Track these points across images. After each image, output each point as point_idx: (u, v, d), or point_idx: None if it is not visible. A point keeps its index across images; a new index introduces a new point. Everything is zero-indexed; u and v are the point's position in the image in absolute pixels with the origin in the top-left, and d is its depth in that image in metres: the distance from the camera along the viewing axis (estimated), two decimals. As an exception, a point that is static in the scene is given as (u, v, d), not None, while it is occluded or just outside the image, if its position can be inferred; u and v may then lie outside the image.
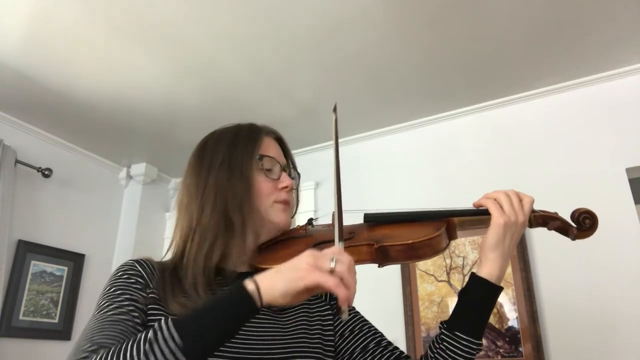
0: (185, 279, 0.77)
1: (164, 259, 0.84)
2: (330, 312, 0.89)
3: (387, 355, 0.85)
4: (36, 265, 2.50)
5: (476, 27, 1.85)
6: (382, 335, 0.90)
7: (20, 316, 2.39)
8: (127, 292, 0.74)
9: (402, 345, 2.17)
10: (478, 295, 0.81)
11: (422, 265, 2.27)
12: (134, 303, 0.73)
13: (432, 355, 0.82)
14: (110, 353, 0.57)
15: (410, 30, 1.86)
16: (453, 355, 0.79)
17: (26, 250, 2.46)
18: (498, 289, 0.81)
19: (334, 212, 0.78)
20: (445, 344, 0.80)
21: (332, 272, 0.60)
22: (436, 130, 2.51)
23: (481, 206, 0.85)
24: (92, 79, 2.17)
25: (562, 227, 0.88)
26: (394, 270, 2.30)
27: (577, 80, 2.18)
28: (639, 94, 2.07)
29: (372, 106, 2.42)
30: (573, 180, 2.08)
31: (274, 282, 0.61)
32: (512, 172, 2.23)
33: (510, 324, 2.01)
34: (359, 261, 0.79)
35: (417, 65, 2.08)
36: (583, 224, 0.86)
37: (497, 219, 0.81)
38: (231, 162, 0.86)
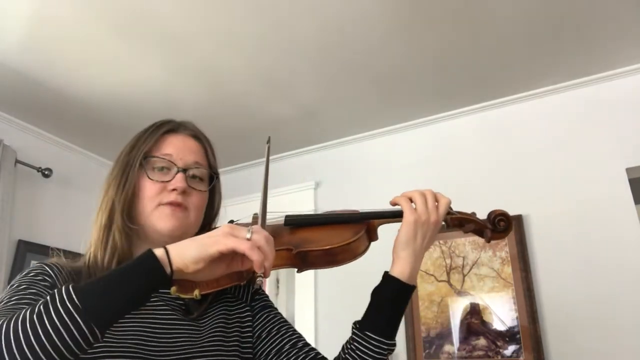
0: None
1: (78, 263, 0.81)
2: (249, 314, 0.87)
3: (302, 357, 0.82)
4: (36, 265, 2.50)
5: (476, 27, 1.85)
6: (299, 336, 0.87)
7: (20, 316, 2.39)
8: (33, 287, 0.71)
9: (401, 345, 2.17)
10: (389, 294, 0.80)
11: (422, 265, 2.25)
12: (38, 298, 0.68)
13: (343, 356, 0.80)
14: (7, 319, 0.53)
15: (411, 31, 1.86)
16: (363, 355, 0.77)
17: (26, 250, 2.46)
18: (410, 288, 0.80)
19: (255, 213, 0.79)
20: (355, 344, 0.78)
21: (248, 240, 0.60)
22: (436, 130, 2.51)
23: (396, 204, 0.85)
24: (92, 79, 2.17)
25: (477, 229, 0.89)
26: (394, 270, 2.30)
27: (577, 80, 2.18)
28: (639, 94, 2.07)
29: (372, 106, 2.42)
30: (573, 180, 2.08)
31: (186, 248, 0.59)
32: (512, 172, 2.23)
33: (510, 324, 2.01)
34: (278, 266, 0.79)
35: (417, 65, 2.08)
36: (498, 225, 0.88)
37: (407, 217, 0.81)
38: (127, 162, 0.84)
